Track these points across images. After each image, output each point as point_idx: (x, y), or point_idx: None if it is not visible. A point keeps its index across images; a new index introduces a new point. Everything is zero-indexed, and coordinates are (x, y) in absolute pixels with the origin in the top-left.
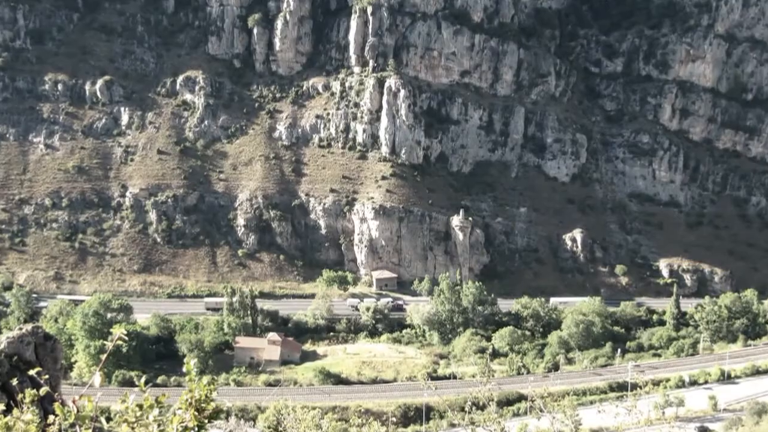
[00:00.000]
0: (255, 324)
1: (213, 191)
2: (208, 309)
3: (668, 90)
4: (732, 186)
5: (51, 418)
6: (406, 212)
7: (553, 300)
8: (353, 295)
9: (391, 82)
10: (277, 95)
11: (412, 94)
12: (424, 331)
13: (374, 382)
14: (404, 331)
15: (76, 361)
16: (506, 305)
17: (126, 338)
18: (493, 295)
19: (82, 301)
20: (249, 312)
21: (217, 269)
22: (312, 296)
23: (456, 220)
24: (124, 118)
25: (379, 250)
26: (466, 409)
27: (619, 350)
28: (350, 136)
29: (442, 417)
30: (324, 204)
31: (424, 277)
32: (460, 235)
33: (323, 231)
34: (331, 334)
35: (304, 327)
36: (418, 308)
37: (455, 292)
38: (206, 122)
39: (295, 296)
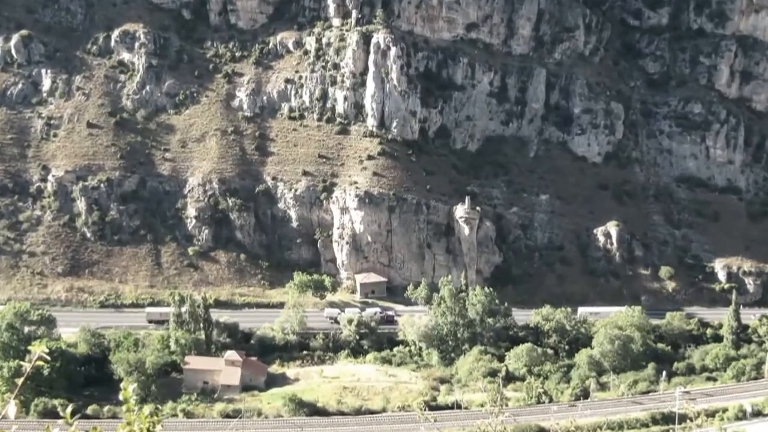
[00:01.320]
0: (209, 340)
1: (157, 174)
2: (150, 321)
3: (726, 48)
4: None
5: None
6: (397, 200)
7: (582, 310)
8: (332, 304)
9: (380, 37)
10: (237, 54)
11: (405, 53)
12: (420, 348)
13: (358, 412)
14: (396, 349)
15: None
16: (523, 317)
17: (48, 358)
18: (506, 305)
19: None
20: (202, 325)
21: (161, 272)
22: (281, 305)
23: (460, 211)
24: (46, 83)
25: (364, 247)
26: None
27: (664, 373)
28: (328, 105)
29: None
30: (295, 190)
31: (421, 282)
32: (466, 229)
33: (294, 224)
34: (305, 352)
35: (271, 344)
36: (413, 320)
37: (459, 301)
38: (148, 88)
39: (259, 306)
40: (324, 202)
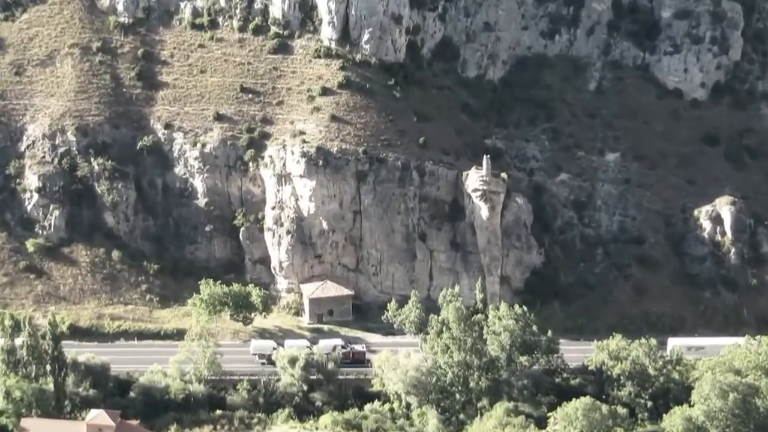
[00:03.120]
0: (62, 392)
1: None
2: None
3: None
4: None
5: None
6: (371, 162)
7: (675, 343)
8: (264, 334)
9: None
10: None
11: None
12: (408, 406)
13: None
14: (369, 406)
15: None
16: (578, 353)
17: None
18: (550, 334)
19: None
20: (49, 368)
21: None
22: (179, 335)
23: (475, 179)
24: None
25: (316, 240)
26: None
27: None
28: (257, 6)
29: None
30: (204, 146)
31: (410, 297)
32: (484, 210)
33: (202, 202)
34: (219, 412)
35: (164, 399)
36: (397, 360)
37: (473, 328)
38: None
39: (144, 336)
40: (250, 165)
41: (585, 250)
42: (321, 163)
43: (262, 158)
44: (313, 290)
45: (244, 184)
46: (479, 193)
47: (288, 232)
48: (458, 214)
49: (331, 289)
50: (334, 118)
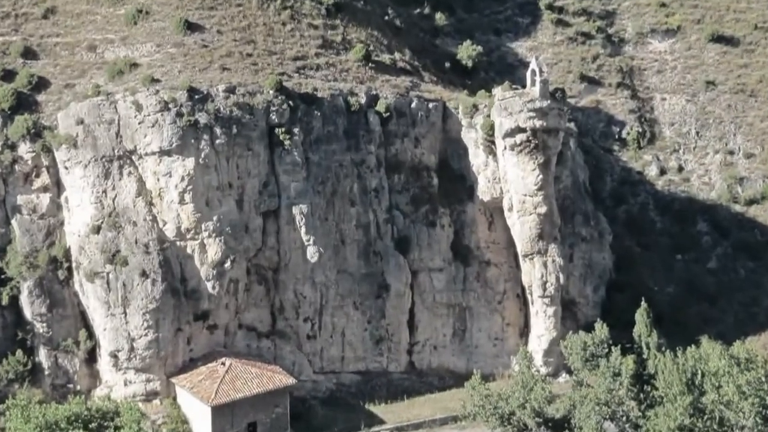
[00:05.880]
0: None
1: None
2: None
3: None
4: None
5: None
6: (294, 106)
7: None
8: None
9: None
10: None
11: None
12: None
13: None
14: None
15: None
16: None
17: None
18: None
19: None
20: None
21: None
22: None
23: (514, 110)
24: None
25: (199, 282)
26: None
27: None
28: None
29: None
30: None
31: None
32: (528, 174)
33: None
34: None
35: None
36: None
37: None
38: None
39: None
40: (24, 146)
41: (673, 222)
42: (203, 119)
43: (52, 130)
44: (208, 387)
45: (15, 192)
46: (522, 138)
47: (143, 275)
48: (456, 191)
49: (249, 381)
50: (190, 26)
